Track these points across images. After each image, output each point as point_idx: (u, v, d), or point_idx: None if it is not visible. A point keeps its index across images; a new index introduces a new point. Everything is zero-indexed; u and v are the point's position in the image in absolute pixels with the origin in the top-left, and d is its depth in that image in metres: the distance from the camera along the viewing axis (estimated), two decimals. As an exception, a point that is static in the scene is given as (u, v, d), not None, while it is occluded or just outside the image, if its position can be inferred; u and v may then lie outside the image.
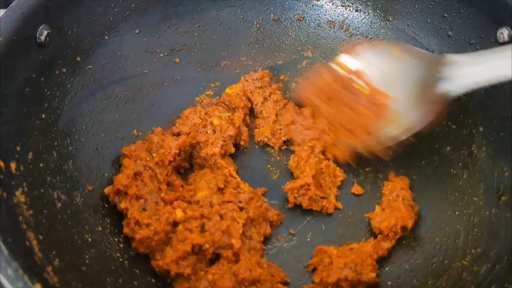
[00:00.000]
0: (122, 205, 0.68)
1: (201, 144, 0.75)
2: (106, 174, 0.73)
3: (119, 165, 0.73)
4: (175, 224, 0.67)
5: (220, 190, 0.72)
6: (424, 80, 0.68)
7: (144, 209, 0.68)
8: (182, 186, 0.72)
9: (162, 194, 0.69)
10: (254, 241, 0.69)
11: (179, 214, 0.66)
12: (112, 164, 0.73)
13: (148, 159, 0.71)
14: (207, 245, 0.65)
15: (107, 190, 0.69)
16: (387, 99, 0.72)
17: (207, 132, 0.76)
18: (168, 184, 0.71)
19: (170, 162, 0.71)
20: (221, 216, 0.68)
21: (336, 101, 0.76)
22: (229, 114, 0.78)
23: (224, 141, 0.75)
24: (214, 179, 0.72)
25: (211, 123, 0.77)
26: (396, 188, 0.73)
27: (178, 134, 0.76)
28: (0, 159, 0.56)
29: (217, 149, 0.74)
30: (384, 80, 0.73)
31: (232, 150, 0.77)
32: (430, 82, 0.67)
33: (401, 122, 0.70)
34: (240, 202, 0.70)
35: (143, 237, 0.64)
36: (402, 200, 0.71)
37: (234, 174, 0.73)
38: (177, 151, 0.72)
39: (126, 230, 0.67)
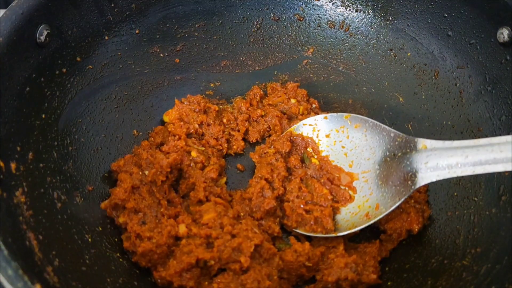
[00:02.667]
0: (121, 220, 0.67)
1: (186, 172, 0.74)
2: (106, 174, 0.73)
3: (113, 180, 0.73)
4: (177, 238, 0.66)
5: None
6: (389, 161, 0.65)
7: (144, 223, 0.66)
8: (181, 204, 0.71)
9: (162, 209, 0.68)
10: (265, 254, 0.66)
11: (182, 229, 0.65)
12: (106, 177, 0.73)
13: (140, 173, 0.70)
14: (212, 262, 0.63)
15: (103, 205, 0.69)
16: (343, 174, 0.70)
17: (189, 162, 0.74)
18: (168, 201, 0.70)
19: (163, 182, 0.70)
20: (233, 235, 0.65)
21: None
22: (203, 148, 0.77)
23: (206, 183, 0.73)
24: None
25: (189, 153, 0.75)
26: None
27: (162, 144, 0.76)
28: (0, 159, 0.56)
29: (201, 192, 0.72)
30: (343, 154, 0.72)
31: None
32: (396, 165, 0.64)
33: (360, 203, 0.67)
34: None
35: (145, 250, 0.63)
36: (413, 203, 0.70)
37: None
38: (169, 170, 0.71)
39: (126, 244, 0.66)
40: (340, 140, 0.72)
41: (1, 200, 0.54)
